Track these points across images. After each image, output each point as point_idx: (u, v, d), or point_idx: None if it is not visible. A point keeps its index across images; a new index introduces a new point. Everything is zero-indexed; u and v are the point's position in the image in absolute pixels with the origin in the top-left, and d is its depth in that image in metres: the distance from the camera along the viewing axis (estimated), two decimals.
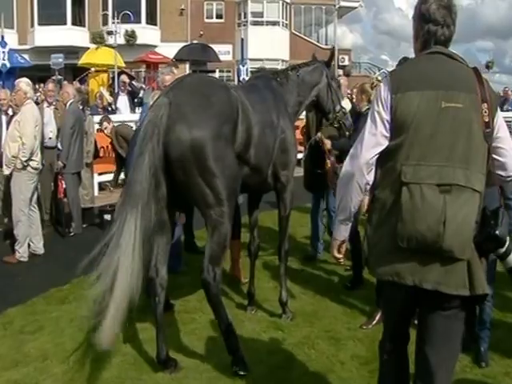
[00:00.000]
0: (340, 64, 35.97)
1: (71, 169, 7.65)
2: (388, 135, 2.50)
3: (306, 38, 35.65)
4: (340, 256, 2.78)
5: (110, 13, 28.48)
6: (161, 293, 4.00)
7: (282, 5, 34.26)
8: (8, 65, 10.51)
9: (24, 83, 6.72)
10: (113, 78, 19.22)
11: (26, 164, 6.49)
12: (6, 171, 6.64)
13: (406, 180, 2.39)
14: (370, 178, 2.57)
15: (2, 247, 7.14)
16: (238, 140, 4.05)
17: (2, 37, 11.23)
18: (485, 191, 2.44)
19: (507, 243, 2.46)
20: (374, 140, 2.53)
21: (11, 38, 31.90)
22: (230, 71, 33.98)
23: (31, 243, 6.74)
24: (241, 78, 15.70)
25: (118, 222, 3.56)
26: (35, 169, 6.61)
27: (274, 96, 4.81)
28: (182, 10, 33.52)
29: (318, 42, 36.04)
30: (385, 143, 2.51)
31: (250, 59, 33.96)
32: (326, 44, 35.14)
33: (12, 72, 22.96)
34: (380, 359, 2.81)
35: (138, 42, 30.61)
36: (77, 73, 23.44)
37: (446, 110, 2.42)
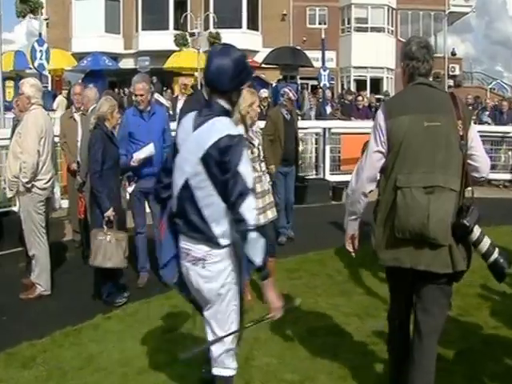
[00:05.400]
0: (450, 74, 33.65)
1: None
2: (385, 153, 3.13)
3: None
4: (351, 250, 3.40)
5: (201, 16, 27.82)
6: None
7: (388, 10, 32.33)
8: (46, 65, 9.84)
9: (28, 84, 5.60)
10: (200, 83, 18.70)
11: (29, 186, 5.40)
12: (9, 194, 5.60)
13: (400, 185, 3.02)
14: (372, 187, 3.23)
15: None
16: None
17: (40, 34, 10.52)
18: None
19: (476, 232, 3.04)
20: (374, 159, 3.16)
21: (117, 43, 32.97)
22: (333, 78, 32.69)
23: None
24: (321, 84, 14.21)
25: None
26: (43, 189, 5.53)
27: None
28: (284, 15, 32.62)
29: None
30: (383, 160, 3.15)
31: (354, 67, 32.67)
32: (436, 53, 32.83)
33: (101, 74, 23.32)
34: (389, 326, 3.49)
35: (239, 47, 29.21)
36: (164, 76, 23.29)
37: (428, 129, 3.04)
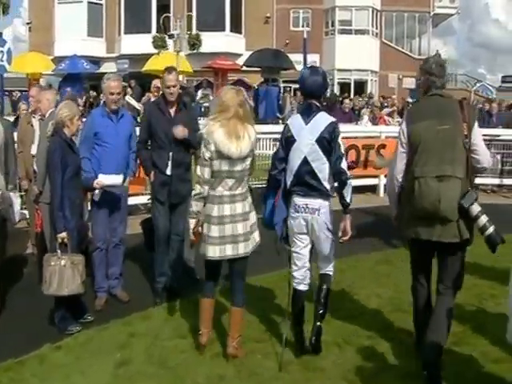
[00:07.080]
0: None
1: (48, 198, 5.30)
2: (407, 152, 4.06)
3: (397, 47, 33.27)
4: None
5: (184, 17, 26.86)
6: None
7: (372, 12, 32.01)
8: (7, 67, 9.26)
9: None
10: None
11: None
12: None
13: (416, 175, 3.87)
14: (401, 177, 4.13)
15: None
16: None
17: (1, 34, 9.89)
18: None
19: (475, 210, 3.78)
20: (401, 157, 4.11)
21: (100, 47, 32.45)
22: None
23: None
24: None
25: None
26: None
27: None
28: (268, 17, 32.22)
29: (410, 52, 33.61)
30: (406, 157, 4.08)
31: (338, 70, 32.19)
32: (420, 55, 32.52)
33: (79, 78, 22.68)
34: (413, 296, 4.29)
35: (222, 50, 29.46)
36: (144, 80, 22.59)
37: (439, 131, 3.91)
